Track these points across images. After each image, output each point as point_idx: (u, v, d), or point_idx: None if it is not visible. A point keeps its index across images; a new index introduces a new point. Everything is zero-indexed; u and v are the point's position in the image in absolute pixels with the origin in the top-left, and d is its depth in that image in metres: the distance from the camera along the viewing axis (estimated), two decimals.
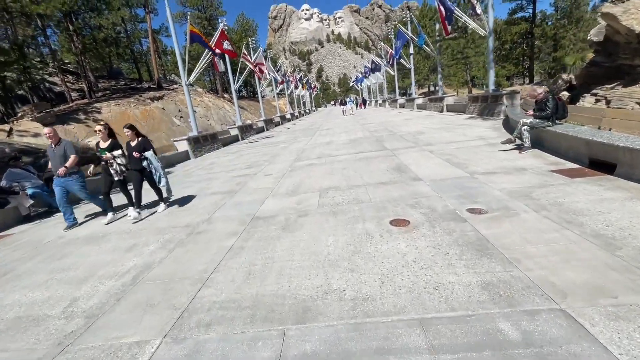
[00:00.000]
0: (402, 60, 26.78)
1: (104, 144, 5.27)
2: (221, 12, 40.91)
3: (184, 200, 6.35)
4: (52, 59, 21.11)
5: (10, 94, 19.73)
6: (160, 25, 37.90)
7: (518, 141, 6.59)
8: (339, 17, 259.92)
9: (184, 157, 13.56)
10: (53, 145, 5.43)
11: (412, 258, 2.96)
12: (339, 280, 2.76)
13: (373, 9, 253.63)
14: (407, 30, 22.96)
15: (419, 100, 25.64)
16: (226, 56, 17.98)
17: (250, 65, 21.68)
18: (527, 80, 37.77)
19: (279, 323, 2.31)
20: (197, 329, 2.38)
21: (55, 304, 3.06)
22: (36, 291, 3.39)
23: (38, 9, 15.99)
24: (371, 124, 17.33)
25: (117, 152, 5.29)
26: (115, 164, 5.25)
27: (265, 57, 26.68)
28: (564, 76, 11.72)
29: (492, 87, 13.89)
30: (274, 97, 39.37)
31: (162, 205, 5.86)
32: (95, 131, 5.39)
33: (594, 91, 8.04)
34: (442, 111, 18.78)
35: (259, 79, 25.37)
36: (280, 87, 34.88)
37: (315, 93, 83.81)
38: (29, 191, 6.81)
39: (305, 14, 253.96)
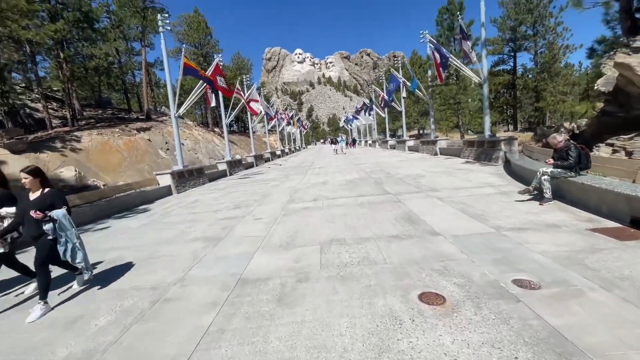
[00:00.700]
0: (393, 104, 27.34)
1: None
2: (218, 50, 41.91)
3: (156, 248, 5.32)
4: (37, 84, 20.37)
5: None
6: (156, 59, 38.32)
7: (535, 191, 6.01)
8: (330, 62, 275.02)
9: (166, 192, 12.51)
10: None
11: None
12: None
13: (362, 57, 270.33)
14: (400, 74, 23.64)
15: (410, 142, 25.79)
16: (219, 91, 17.69)
17: (243, 100, 21.48)
18: (511, 127, 39.26)
19: None
20: None
21: None
22: None
23: (27, 34, 15.52)
24: (365, 164, 16.89)
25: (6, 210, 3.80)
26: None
27: (259, 94, 26.76)
28: (567, 124, 11.71)
29: (487, 132, 13.82)
30: (264, 132, 39.33)
31: (77, 281, 4.06)
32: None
33: (609, 141, 7.80)
34: (435, 154, 18.65)
35: (255, 114, 25.18)
36: (272, 123, 34.91)
37: (305, 131, 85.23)
38: None
39: (298, 57, 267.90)
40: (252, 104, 23.07)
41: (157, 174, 13.19)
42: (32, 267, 3.64)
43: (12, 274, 4.22)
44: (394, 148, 29.73)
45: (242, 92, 22.91)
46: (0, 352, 2.79)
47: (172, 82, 14.29)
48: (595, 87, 8.79)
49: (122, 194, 11.53)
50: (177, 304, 3.31)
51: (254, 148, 27.69)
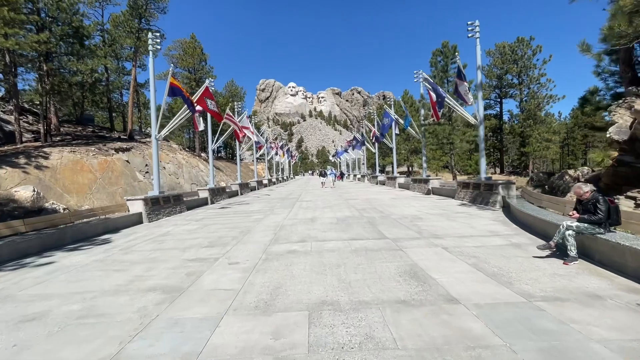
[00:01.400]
0: (384, 140, 27.30)
1: None
2: (212, 76, 42.05)
3: (96, 300, 4.13)
4: (12, 95, 19.19)
5: None
6: (146, 80, 37.86)
7: (555, 247, 5.23)
8: (322, 97, 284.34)
9: (135, 220, 11.22)
10: None
11: None
12: None
13: (353, 94, 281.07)
14: (392, 111, 23.74)
15: (401, 180, 25.39)
16: (208, 114, 17.00)
17: (233, 126, 20.78)
18: (497, 170, 39.90)
19: None
20: None
21: None
22: None
23: (6, 43, 14.66)
24: (356, 200, 16.08)
25: None
26: None
27: (250, 122, 26.27)
28: (571, 172, 11.35)
29: (483, 174, 13.40)
30: (252, 160, 38.55)
31: None
32: None
33: (630, 194, 7.31)
34: (428, 193, 18.10)
35: (239, 142, 24.46)
36: (261, 151, 34.26)
37: (294, 161, 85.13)
38: None
39: (292, 90, 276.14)
40: (243, 130, 22.42)
41: (127, 199, 11.94)
42: None
43: None
44: (384, 184, 29.27)
45: (233, 118, 22.33)
46: None
47: (160, 102, 13.57)
48: (608, 135, 8.48)
49: (82, 220, 10.18)
50: None
51: (240, 176, 26.68)
